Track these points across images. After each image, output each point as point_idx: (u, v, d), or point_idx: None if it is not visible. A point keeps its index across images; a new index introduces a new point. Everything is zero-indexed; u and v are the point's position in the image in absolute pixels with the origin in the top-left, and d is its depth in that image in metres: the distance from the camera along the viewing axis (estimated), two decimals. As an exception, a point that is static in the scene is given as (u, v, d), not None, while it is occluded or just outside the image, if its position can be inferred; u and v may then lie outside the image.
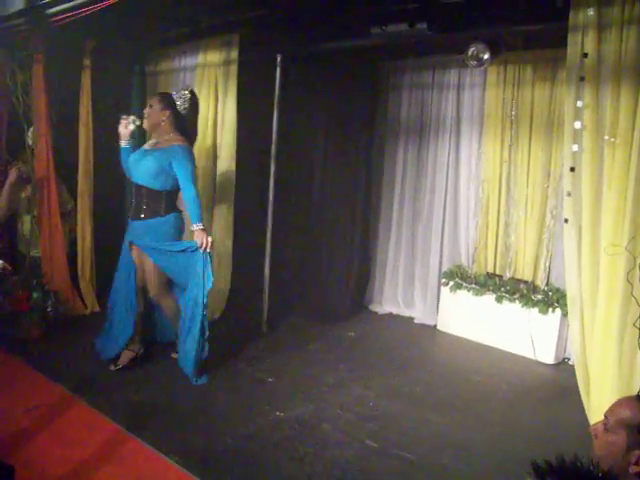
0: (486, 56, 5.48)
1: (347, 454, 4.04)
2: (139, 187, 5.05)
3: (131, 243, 5.20)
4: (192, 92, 5.28)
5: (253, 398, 4.84)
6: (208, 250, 4.90)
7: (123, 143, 5.15)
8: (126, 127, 5.08)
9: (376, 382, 5.23)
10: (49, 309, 6.00)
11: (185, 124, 5.18)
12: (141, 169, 4.98)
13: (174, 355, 5.35)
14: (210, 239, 4.92)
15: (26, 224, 6.55)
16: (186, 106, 5.15)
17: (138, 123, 5.11)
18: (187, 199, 4.96)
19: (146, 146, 5.18)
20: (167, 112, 5.04)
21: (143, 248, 5.09)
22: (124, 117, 5.12)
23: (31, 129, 6.35)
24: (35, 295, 5.93)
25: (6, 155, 6.51)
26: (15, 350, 5.61)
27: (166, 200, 5.03)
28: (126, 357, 5.24)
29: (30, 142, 6.36)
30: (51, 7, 4.82)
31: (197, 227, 4.94)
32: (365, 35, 5.36)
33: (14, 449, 3.94)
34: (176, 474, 3.77)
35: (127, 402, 4.69)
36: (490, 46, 5.43)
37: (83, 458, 3.92)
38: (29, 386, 4.97)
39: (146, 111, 5.11)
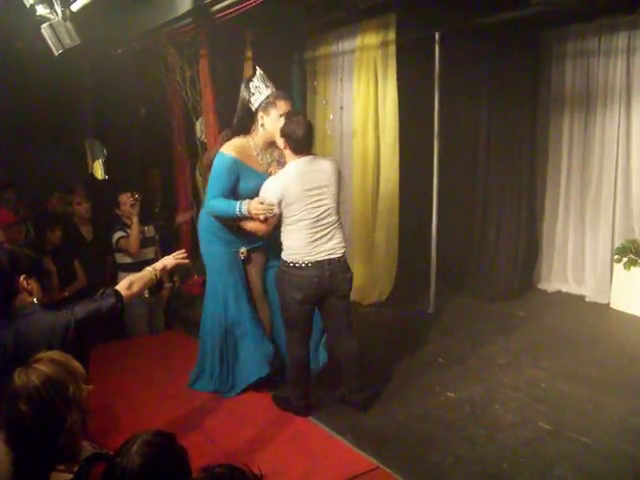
0: (661, 13, 5.15)
1: (520, 436, 3.98)
2: None
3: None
4: None
5: (423, 379, 4.88)
6: None
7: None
8: None
9: (547, 363, 5.09)
10: (222, 293, 6.27)
11: None
12: None
13: None
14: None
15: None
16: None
17: None
18: None
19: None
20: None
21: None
22: None
23: (199, 121, 6.67)
24: (209, 279, 6.21)
25: (183, 147, 6.89)
26: (192, 332, 5.96)
27: None
28: None
29: (199, 134, 6.68)
30: (215, 4, 5.04)
31: None
32: (525, 4, 5.19)
33: (195, 426, 4.23)
34: (349, 453, 3.89)
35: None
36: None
37: (258, 436, 4.13)
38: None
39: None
